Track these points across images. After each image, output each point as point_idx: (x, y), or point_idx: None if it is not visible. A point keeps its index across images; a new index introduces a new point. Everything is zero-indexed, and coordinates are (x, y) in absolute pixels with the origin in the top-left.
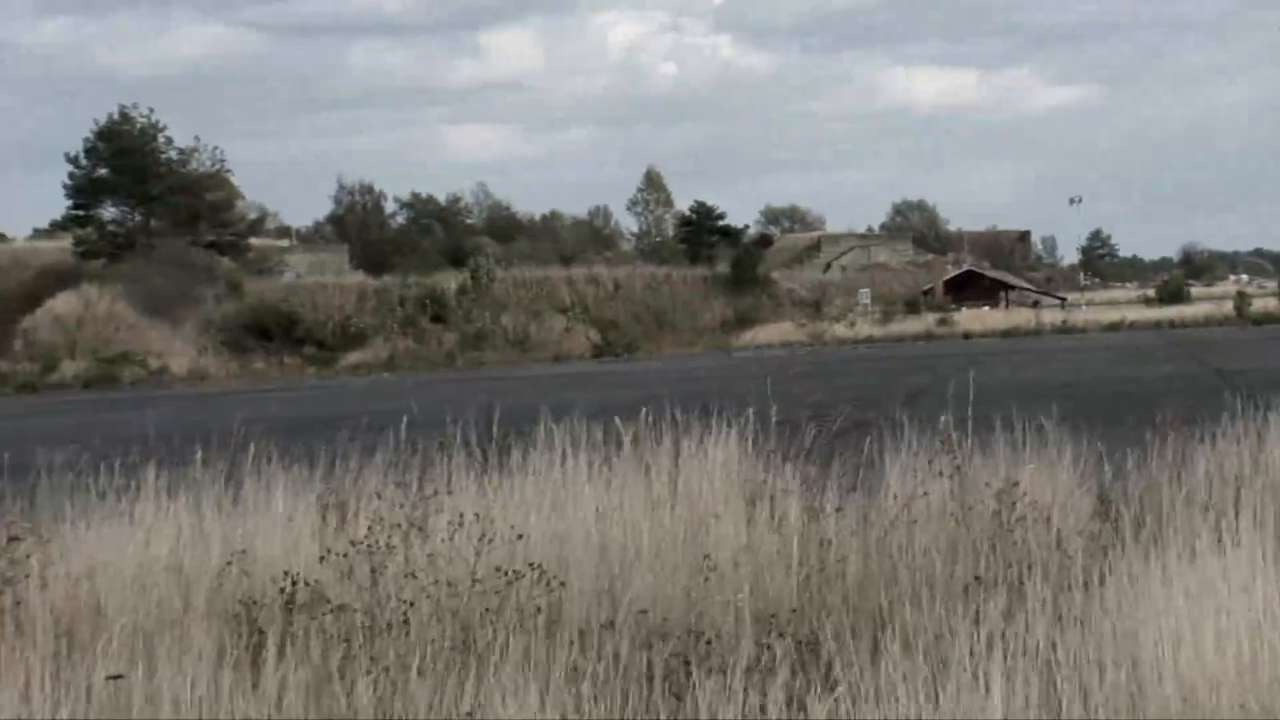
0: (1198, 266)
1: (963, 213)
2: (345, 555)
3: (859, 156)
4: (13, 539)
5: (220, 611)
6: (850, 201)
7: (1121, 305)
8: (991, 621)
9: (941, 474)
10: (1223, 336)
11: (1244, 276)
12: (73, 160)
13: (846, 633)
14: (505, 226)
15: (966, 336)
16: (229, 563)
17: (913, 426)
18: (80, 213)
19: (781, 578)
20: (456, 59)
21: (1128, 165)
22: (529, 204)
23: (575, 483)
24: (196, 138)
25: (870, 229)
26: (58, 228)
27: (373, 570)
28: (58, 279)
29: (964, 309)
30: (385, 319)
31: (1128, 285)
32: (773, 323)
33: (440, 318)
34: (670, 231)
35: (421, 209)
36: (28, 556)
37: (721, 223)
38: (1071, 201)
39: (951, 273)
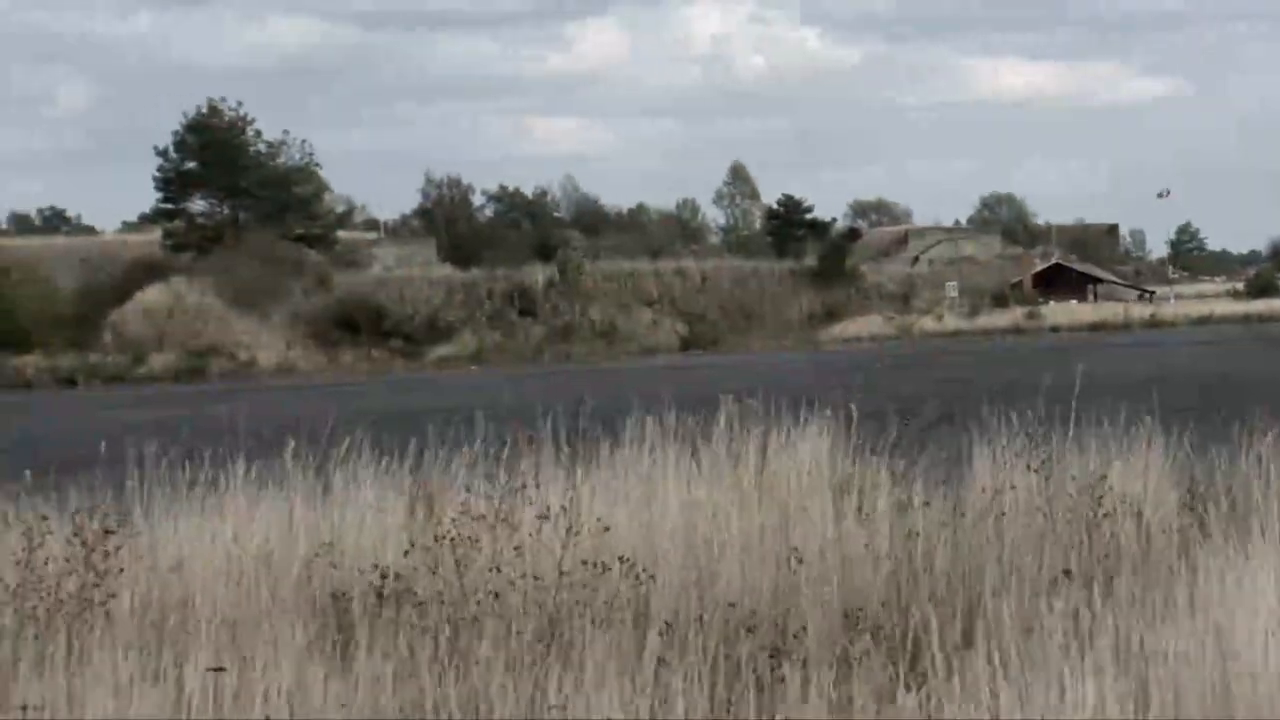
0: None
1: (1050, 206)
2: (432, 548)
3: (946, 149)
4: (107, 532)
5: (308, 604)
6: (937, 194)
7: (1210, 299)
8: (1080, 615)
9: (1030, 467)
10: None
11: None
12: (162, 153)
13: (934, 626)
14: (592, 219)
15: (1054, 330)
16: (317, 555)
17: (1001, 420)
18: (169, 206)
19: (869, 571)
20: (544, 51)
21: (1216, 157)
22: (614, 196)
23: (663, 475)
24: (285, 131)
25: (957, 222)
26: (147, 221)
27: (459, 563)
28: (147, 272)
29: (1052, 302)
30: (473, 312)
31: (1216, 279)
32: (860, 316)
33: (528, 311)
34: (757, 225)
35: (509, 202)
36: (118, 549)
37: (809, 216)
38: (1159, 195)
39: (1039, 266)
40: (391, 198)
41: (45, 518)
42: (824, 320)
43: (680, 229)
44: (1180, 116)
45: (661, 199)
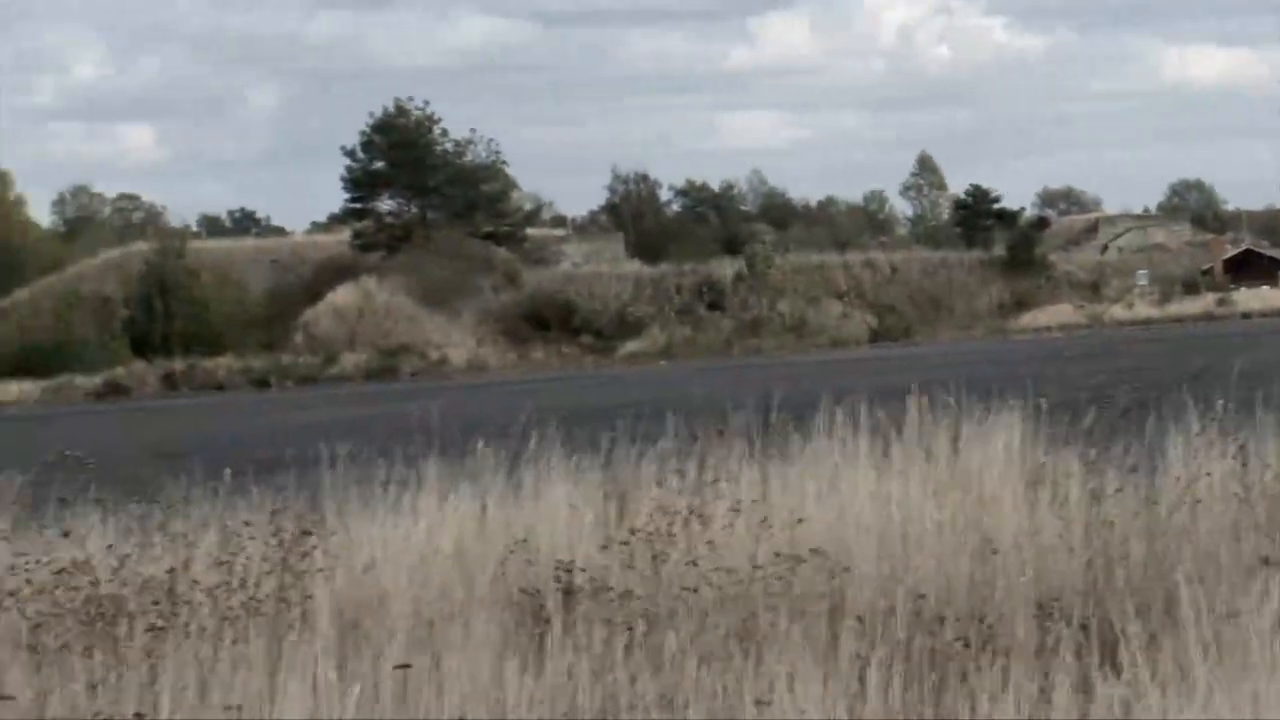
0: None
1: (1240, 191)
2: (626, 543)
3: (1134, 136)
4: (304, 533)
5: (502, 600)
6: (1126, 182)
7: None
8: None
9: (1225, 454)
10: None
11: None
12: (350, 154)
13: (1130, 615)
14: (780, 213)
15: (1246, 316)
16: (511, 552)
17: (1194, 407)
18: (358, 206)
19: (1064, 560)
20: (728, 45)
21: None
22: (801, 188)
23: (855, 467)
24: (471, 129)
25: (1147, 209)
26: (336, 221)
27: (654, 558)
28: (337, 272)
29: (1243, 289)
30: (662, 307)
31: None
32: (1050, 305)
33: (717, 305)
34: (945, 215)
35: (696, 196)
36: (314, 548)
37: (997, 206)
38: None
39: (1230, 252)
40: (578, 194)
41: (248, 523)
42: (1013, 310)
43: (868, 221)
44: None
45: (849, 191)
